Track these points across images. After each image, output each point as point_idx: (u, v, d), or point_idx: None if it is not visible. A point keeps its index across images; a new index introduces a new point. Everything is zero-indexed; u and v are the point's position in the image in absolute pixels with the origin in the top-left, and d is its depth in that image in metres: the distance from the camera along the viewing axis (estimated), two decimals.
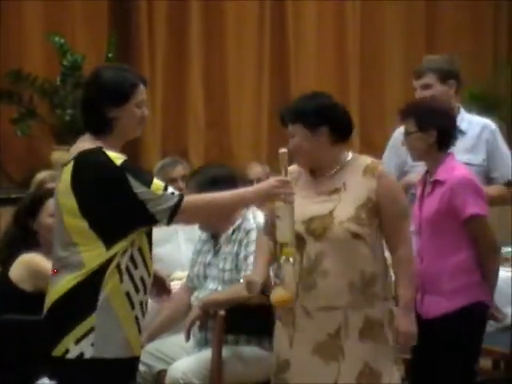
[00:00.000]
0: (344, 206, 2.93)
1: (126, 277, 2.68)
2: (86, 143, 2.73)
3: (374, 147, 6.90)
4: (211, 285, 3.66)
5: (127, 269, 2.69)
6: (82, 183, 2.67)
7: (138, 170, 2.75)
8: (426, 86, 3.78)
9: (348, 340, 2.92)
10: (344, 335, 2.92)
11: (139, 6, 6.16)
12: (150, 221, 2.70)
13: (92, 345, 2.63)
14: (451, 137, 3.31)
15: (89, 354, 2.63)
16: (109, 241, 2.65)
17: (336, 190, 2.97)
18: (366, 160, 3.03)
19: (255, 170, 5.16)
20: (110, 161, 2.67)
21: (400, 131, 3.55)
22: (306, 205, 2.95)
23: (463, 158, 3.59)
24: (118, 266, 2.67)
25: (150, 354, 3.66)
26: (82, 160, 2.70)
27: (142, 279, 2.73)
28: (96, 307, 2.65)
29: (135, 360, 2.77)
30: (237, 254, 3.58)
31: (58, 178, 2.77)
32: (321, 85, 6.52)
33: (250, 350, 3.58)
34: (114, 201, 2.65)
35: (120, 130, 2.73)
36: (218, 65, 6.42)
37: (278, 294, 2.84)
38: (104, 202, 2.65)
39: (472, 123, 3.81)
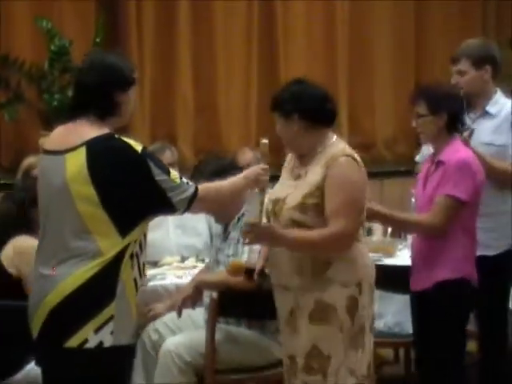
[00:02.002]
0: (296, 193, 3.01)
1: (135, 263, 2.70)
2: (87, 128, 2.67)
3: (363, 135, 6.93)
4: (221, 269, 3.72)
5: (136, 255, 2.70)
6: (100, 170, 2.62)
7: (157, 157, 2.76)
8: (461, 72, 3.84)
9: (300, 320, 3.01)
10: (297, 315, 3.01)
11: None
12: (169, 209, 2.71)
13: (111, 333, 2.63)
14: (460, 120, 3.44)
15: (108, 342, 2.63)
16: (125, 229, 2.64)
17: (299, 177, 3.05)
18: (338, 149, 3.02)
19: (246, 155, 5.15)
20: (130, 147, 2.66)
21: None
22: (280, 187, 3.10)
23: (488, 138, 3.73)
24: (131, 254, 2.67)
25: (164, 324, 3.74)
26: (98, 146, 2.65)
27: (143, 264, 2.76)
28: (115, 295, 2.64)
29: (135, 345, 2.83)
30: (238, 240, 3.62)
31: (55, 165, 2.68)
32: (310, 71, 6.49)
33: (241, 332, 3.64)
34: (136, 188, 2.64)
35: (122, 115, 2.74)
36: (207, 50, 6.38)
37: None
38: (125, 189, 2.63)
39: (504, 106, 3.87)
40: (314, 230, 2.95)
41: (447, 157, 3.39)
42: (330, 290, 2.96)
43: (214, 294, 3.54)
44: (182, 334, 3.65)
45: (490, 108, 3.82)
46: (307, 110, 3.00)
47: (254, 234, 2.93)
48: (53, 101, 5.56)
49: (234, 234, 3.67)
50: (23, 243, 3.51)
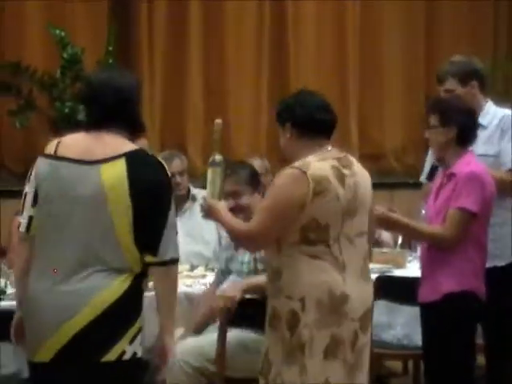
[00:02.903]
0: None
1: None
2: (120, 141, 2.68)
3: (373, 146, 6.93)
4: (234, 279, 3.76)
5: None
6: (140, 183, 2.62)
7: None
8: (449, 91, 3.87)
9: (266, 323, 3.06)
10: (265, 318, 3.07)
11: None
12: (152, 251, 2.68)
13: (141, 344, 2.66)
14: (471, 134, 3.49)
15: (139, 352, 2.66)
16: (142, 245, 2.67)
17: None
18: (300, 162, 3.00)
19: (255, 164, 5.15)
20: (164, 167, 2.70)
21: None
22: None
23: (481, 149, 3.74)
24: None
25: None
26: (138, 160, 2.65)
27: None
28: (142, 308, 2.68)
29: None
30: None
31: (85, 174, 2.64)
32: (320, 81, 6.53)
33: (253, 338, 3.63)
34: (159, 208, 2.65)
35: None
36: (218, 59, 6.41)
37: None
38: (154, 206, 2.64)
39: (495, 116, 3.91)
40: (242, 223, 3.13)
41: (458, 169, 3.42)
42: (279, 299, 2.99)
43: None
44: (188, 342, 3.66)
45: (482, 120, 3.80)
46: (298, 118, 3.04)
47: (205, 210, 3.19)
48: (64, 108, 5.58)
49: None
50: None
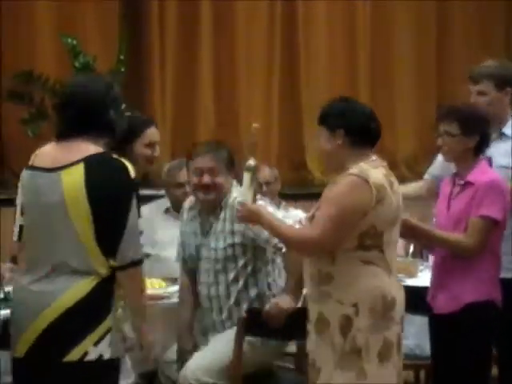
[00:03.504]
0: (314, 210, 3.11)
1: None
2: (84, 146, 2.73)
3: (384, 153, 6.87)
4: (206, 265, 3.72)
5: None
6: (97, 188, 2.68)
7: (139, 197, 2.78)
8: (482, 93, 3.85)
9: (309, 326, 3.07)
10: (309, 321, 3.08)
11: (150, 7, 6.16)
12: (111, 255, 2.72)
13: (109, 345, 2.68)
14: (488, 144, 3.49)
15: (107, 354, 2.69)
16: (107, 251, 2.71)
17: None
18: (356, 168, 3.02)
19: (264, 173, 5.15)
20: (127, 169, 2.71)
21: None
22: None
23: (503, 161, 3.73)
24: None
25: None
26: (96, 164, 2.71)
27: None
28: (111, 309, 2.71)
29: None
30: (232, 232, 3.63)
31: (50, 182, 2.73)
32: (331, 85, 6.55)
33: (268, 345, 3.66)
34: (117, 212, 2.68)
35: (116, 134, 2.83)
36: (228, 65, 6.42)
37: None
38: (113, 210, 2.67)
39: None
40: (295, 228, 3.17)
41: (475, 178, 3.41)
42: (328, 304, 3.01)
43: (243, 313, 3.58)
44: (195, 358, 3.63)
45: (506, 129, 3.82)
46: (353, 125, 3.06)
47: (243, 213, 3.15)
48: None
49: (222, 227, 3.67)
50: None
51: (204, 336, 3.77)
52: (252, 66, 6.49)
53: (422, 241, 3.64)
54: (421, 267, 4.52)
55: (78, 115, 2.77)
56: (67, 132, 2.78)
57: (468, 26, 7.11)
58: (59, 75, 5.73)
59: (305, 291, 3.24)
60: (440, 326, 3.44)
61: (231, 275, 3.64)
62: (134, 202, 2.71)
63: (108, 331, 2.69)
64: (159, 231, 4.52)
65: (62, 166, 2.73)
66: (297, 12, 6.59)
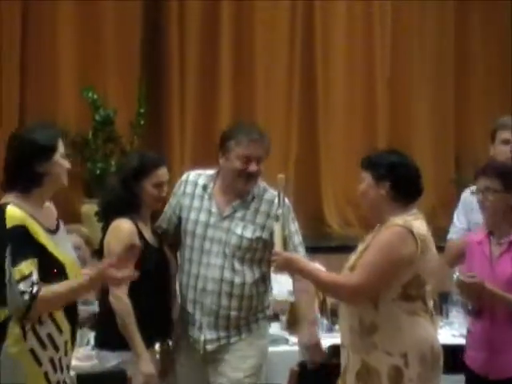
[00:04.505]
0: (354, 259, 3.09)
1: (30, 334, 2.71)
2: (9, 199, 2.76)
3: None
4: (216, 247, 3.55)
5: (32, 326, 2.71)
6: None
7: (22, 242, 2.72)
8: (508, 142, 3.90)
9: (349, 376, 3.05)
10: (347, 371, 3.06)
11: (170, 60, 6.24)
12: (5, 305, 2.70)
13: None
14: None
15: None
16: None
17: (366, 245, 3.12)
18: (400, 219, 3.04)
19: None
20: (4, 219, 2.70)
21: (467, 190, 3.83)
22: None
23: None
24: (22, 323, 2.70)
25: None
26: None
27: (50, 336, 2.74)
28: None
29: None
30: (263, 226, 3.52)
31: None
32: (349, 118, 6.58)
33: None
34: None
35: (51, 182, 2.81)
36: (248, 115, 6.46)
37: None
38: None
39: None
40: (332, 273, 3.14)
41: None
42: (374, 354, 3.00)
43: (295, 366, 3.56)
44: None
45: None
46: (401, 181, 3.09)
47: (278, 262, 3.14)
48: (96, 169, 5.64)
49: (251, 216, 3.54)
50: (118, 223, 3.43)
51: (200, 330, 3.55)
52: (271, 102, 6.54)
53: (484, 302, 3.49)
54: (441, 323, 4.48)
55: (4, 173, 2.82)
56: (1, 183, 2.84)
57: (487, 79, 7.16)
58: (80, 128, 5.81)
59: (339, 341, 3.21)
60: None
61: (246, 265, 3.52)
62: (8, 250, 2.69)
63: None
64: None
65: None
66: (315, 37, 6.64)
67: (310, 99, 6.71)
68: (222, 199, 3.57)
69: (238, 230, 3.53)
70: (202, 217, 3.57)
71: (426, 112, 7.01)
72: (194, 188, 3.61)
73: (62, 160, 2.83)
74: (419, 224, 3.04)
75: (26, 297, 2.67)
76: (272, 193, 3.53)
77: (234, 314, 3.53)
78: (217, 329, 3.52)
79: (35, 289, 2.67)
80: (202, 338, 3.53)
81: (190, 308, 3.56)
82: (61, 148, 2.85)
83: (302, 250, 3.58)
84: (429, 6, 7.08)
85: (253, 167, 3.50)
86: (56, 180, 2.82)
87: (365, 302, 3.02)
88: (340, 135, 6.76)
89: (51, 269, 2.75)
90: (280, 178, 3.26)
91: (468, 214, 3.94)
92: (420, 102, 7.01)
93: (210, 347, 3.52)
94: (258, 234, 3.52)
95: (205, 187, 3.60)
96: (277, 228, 3.23)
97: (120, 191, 3.45)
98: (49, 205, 2.92)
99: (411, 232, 3.00)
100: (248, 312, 3.56)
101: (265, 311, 3.66)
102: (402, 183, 3.07)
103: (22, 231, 2.71)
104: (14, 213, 2.72)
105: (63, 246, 2.85)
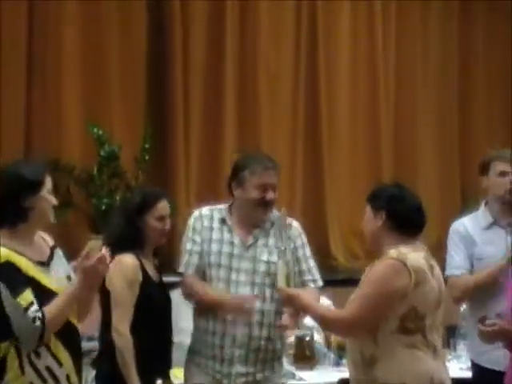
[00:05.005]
0: (354, 294, 3.12)
1: (28, 368, 2.69)
2: None
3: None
4: (244, 277, 3.53)
5: (29, 359, 2.70)
6: None
7: (13, 275, 2.72)
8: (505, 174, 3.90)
9: None
10: None
11: (175, 96, 6.25)
12: (12, 337, 2.68)
13: None
14: None
15: None
16: None
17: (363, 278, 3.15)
18: (395, 252, 3.05)
19: None
20: None
21: (460, 223, 3.91)
22: None
23: None
24: (20, 357, 2.69)
25: None
26: None
27: (49, 369, 2.73)
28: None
29: None
30: (284, 249, 3.47)
31: None
32: (354, 151, 6.59)
33: None
34: None
35: (37, 217, 2.81)
36: (252, 143, 6.46)
37: None
38: None
39: None
40: (332, 309, 3.28)
41: None
42: None
43: None
44: None
45: None
46: (396, 212, 3.11)
47: (285, 299, 3.26)
48: (101, 205, 5.64)
49: (264, 241, 3.55)
50: (122, 258, 3.40)
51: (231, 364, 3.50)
52: (275, 149, 6.51)
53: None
54: (449, 357, 4.45)
55: None
56: None
57: (490, 113, 7.17)
58: (85, 164, 5.82)
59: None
60: None
61: (275, 292, 3.48)
62: (2, 285, 2.68)
63: None
64: (184, 318, 4.48)
65: None
66: (319, 105, 6.66)
67: (314, 133, 6.72)
68: (241, 231, 3.58)
69: (264, 257, 3.54)
70: (226, 248, 3.56)
71: (430, 144, 7.01)
72: (211, 222, 3.61)
73: (48, 195, 2.84)
74: (416, 256, 3.04)
75: (38, 322, 2.66)
76: (288, 219, 3.59)
77: (264, 344, 3.51)
78: (247, 362, 3.50)
79: (41, 313, 2.67)
80: (234, 371, 3.49)
81: (218, 341, 3.52)
82: (48, 184, 2.85)
83: (315, 273, 3.64)
84: (432, 35, 7.10)
85: (270, 195, 3.53)
86: (42, 215, 2.82)
87: (364, 336, 3.03)
88: (345, 168, 6.77)
89: (45, 300, 2.73)
90: (282, 212, 3.31)
91: (469, 247, 3.91)
92: (424, 135, 7.02)
93: (238, 382, 3.49)
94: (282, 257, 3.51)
95: (223, 220, 3.59)
96: (280, 264, 3.24)
97: (124, 227, 3.46)
98: (40, 237, 2.91)
99: (404, 264, 3.00)
100: (275, 344, 3.55)
101: (284, 346, 3.65)
102: (397, 215, 3.09)
103: (11, 267, 2.71)
104: (1, 251, 2.71)
105: (56, 276, 2.85)
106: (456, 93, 7.14)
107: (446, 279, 4.03)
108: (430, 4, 7.11)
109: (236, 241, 3.56)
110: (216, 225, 3.60)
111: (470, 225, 3.98)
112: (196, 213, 3.66)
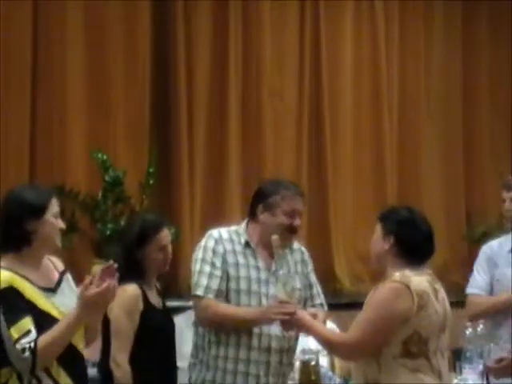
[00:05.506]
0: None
1: None
2: (2, 263, 2.75)
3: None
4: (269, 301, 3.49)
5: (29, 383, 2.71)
6: None
7: (11, 303, 2.71)
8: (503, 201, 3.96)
9: None
10: None
11: (179, 121, 6.27)
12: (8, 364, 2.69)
13: None
14: None
15: None
16: None
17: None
18: (398, 275, 3.04)
19: None
20: None
21: (489, 244, 3.94)
22: None
23: None
24: (21, 383, 2.70)
25: None
26: None
27: None
28: None
29: None
30: (303, 273, 3.59)
31: None
32: (358, 174, 6.61)
33: None
34: None
35: (40, 241, 2.79)
36: (257, 178, 6.48)
37: None
38: None
39: None
40: (337, 333, 3.26)
41: None
42: None
43: None
44: None
45: None
46: (405, 239, 3.09)
47: (289, 322, 3.23)
48: (106, 230, 5.64)
49: (293, 267, 3.58)
50: (123, 287, 3.31)
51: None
52: (280, 172, 6.54)
53: None
54: (455, 381, 4.42)
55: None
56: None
57: (495, 140, 7.18)
58: (90, 189, 5.83)
59: None
60: None
61: None
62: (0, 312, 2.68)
63: None
64: (188, 343, 4.47)
65: None
66: (324, 140, 6.68)
67: (319, 155, 6.72)
68: (263, 254, 3.55)
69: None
70: (253, 274, 3.51)
71: (435, 168, 7.01)
72: (232, 244, 3.53)
73: (53, 219, 2.82)
74: (420, 279, 3.03)
75: (27, 353, 2.66)
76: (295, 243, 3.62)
77: (288, 370, 3.54)
78: None
79: (34, 343, 2.66)
80: None
81: (253, 370, 3.46)
82: (53, 208, 2.84)
83: (323, 297, 3.66)
84: (435, 35, 7.09)
85: (297, 221, 3.53)
86: (46, 239, 2.81)
87: (368, 360, 3.02)
88: (349, 191, 6.77)
89: (47, 327, 2.72)
90: (274, 240, 3.29)
91: (491, 269, 3.95)
92: (429, 158, 7.02)
93: None
94: (304, 282, 3.61)
95: (247, 244, 3.54)
96: (277, 288, 3.24)
97: (124, 260, 3.33)
98: (49, 262, 2.90)
99: (407, 287, 2.99)
100: (292, 368, 3.58)
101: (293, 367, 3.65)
102: (406, 242, 3.08)
103: (12, 292, 2.71)
104: (3, 276, 2.71)
105: (62, 303, 2.83)
106: (461, 120, 7.16)
107: (465, 296, 4.09)
108: (433, 3, 7.12)
109: (260, 265, 3.53)
110: (238, 248, 3.52)
111: (496, 246, 4.02)
112: (215, 234, 3.53)
